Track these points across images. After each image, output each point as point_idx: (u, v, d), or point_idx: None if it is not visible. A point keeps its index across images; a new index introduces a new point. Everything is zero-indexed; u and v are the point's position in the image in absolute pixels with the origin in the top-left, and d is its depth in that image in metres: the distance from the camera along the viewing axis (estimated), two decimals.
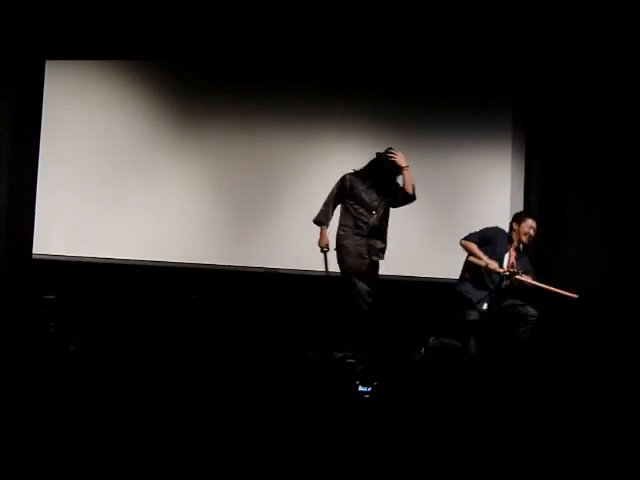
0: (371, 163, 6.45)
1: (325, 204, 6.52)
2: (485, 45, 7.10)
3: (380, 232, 6.54)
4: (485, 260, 6.43)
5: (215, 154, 7.67)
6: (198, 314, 6.69)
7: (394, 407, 3.27)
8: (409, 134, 7.89)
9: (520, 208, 7.48)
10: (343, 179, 6.49)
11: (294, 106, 7.83)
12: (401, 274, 7.74)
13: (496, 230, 6.60)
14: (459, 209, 7.80)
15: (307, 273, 7.43)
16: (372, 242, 6.51)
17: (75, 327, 5.32)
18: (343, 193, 6.49)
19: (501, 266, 6.43)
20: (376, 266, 6.50)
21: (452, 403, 3.28)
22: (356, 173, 6.50)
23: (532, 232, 6.53)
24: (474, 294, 6.44)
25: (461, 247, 6.51)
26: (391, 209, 6.59)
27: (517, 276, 6.37)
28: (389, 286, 6.85)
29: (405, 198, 6.48)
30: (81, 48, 7.13)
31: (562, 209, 7.81)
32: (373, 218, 6.51)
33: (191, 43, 7.14)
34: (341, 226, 6.51)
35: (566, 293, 6.41)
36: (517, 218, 6.57)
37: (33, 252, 7.23)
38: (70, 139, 7.49)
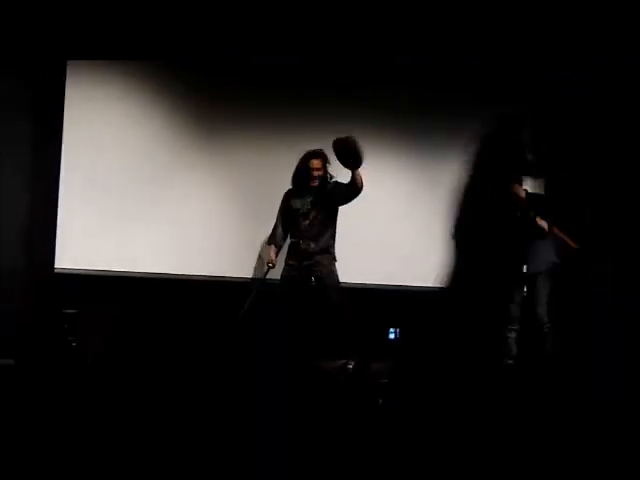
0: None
1: (274, 225, 6.77)
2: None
3: (315, 235, 6.64)
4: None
5: (236, 165, 7.66)
6: (216, 326, 6.70)
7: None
8: (422, 140, 7.88)
9: None
10: (283, 196, 6.74)
11: (320, 115, 7.81)
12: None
13: None
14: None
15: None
16: (305, 246, 6.63)
17: (93, 341, 5.35)
18: (285, 208, 6.72)
19: None
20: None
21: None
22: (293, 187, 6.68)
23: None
24: None
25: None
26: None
27: None
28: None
29: (354, 193, 6.59)
30: (100, 47, 7.16)
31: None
32: (304, 224, 6.64)
33: (214, 46, 7.17)
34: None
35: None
36: None
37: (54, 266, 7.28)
38: (89, 152, 7.51)
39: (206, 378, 3.44)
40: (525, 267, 6.99)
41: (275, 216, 6.92)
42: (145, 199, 7.55)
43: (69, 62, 7.28)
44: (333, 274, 6.71)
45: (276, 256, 6.79)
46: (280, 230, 6.84)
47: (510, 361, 6.83)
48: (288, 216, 6.79)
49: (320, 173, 6.72)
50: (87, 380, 3.30)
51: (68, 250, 7.35)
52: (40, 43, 7.05)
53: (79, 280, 7.33)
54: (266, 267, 6.74)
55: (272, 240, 6.84)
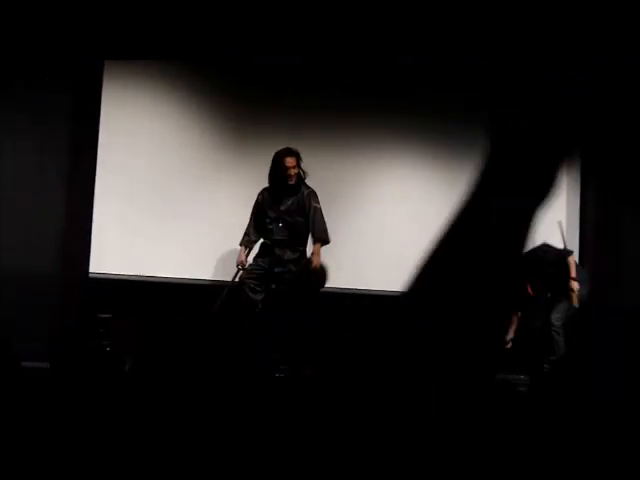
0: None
1: (248, 225, 6.76)
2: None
3: (291, 242, 6.64)
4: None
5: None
6: (255, 333, 6.66)
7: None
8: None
9: (576, 224, 7.43)
10: (257, 196, 6.73)
11: (350, 122, 7.77)
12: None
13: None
14: None
15: (371, 293, 7.39)
16: (280, 252, 6.64)
17: (130, 346, 5.31)
18: (258, 209, 6.73)
19: None
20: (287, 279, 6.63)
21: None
22: (267, 188, 6.72)
23: None
24: None
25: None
26: None
27: None
28: None
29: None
30: (136, 47, 7.16)
31: (620, 225, 7.68)
32: (279, 228, 6.62)
33: (248, 48, 7.16)
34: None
35: None
36: None
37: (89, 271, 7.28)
38: (124, 155, 7.50)
39: (241, 383, 3.37)
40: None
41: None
42: (180, 202, 7.52)
43: (106, 62, 7.27)
44: (306, 276, 6.76)
45: (247, 257, 6.82)
46: (252, 230, 6.85)
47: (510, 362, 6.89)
48: (261, 217, 6.79)
49: (295, 171, 6.74)
50: (121, 385, 3.24)
51: (103, 255, 7.34)
52: (77, 43, 7.05)
53: (114, 285, 7.32)
54: (236, 268, 6.75)
55: (244, 241, 6.84)
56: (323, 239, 6.73)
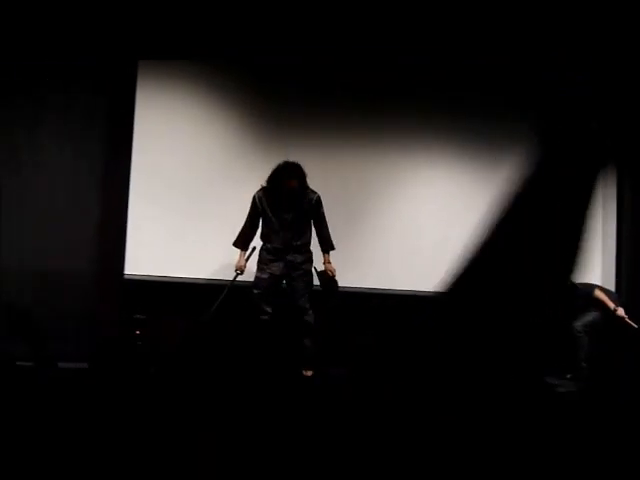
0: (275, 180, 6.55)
1: (241, 228, 6.68)
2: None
3: (299, 246, 6.65)
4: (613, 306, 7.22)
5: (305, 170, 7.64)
6: (287, 334, 6.67)
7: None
8: (500, 149, 7.78)
9: (613, 236, 7.44)
10: (253, 199, 6.62)
11: (382, 122, 7.77)
12: None
13: None
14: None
15: (402, 293, 7.39)
16: (291, 258, 6.63)
17: (164, 347, 5.36)
18: (257, 213, 6.63)
19: None
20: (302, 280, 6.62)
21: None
22: (264, 189, 6.60)
23: None
24: None
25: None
26: None
27: None
28: None
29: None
30: (170, 47, 7.21)
31: None
32: (287, 234, 6.62)
33: (281, 49, 7.19)
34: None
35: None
36: None
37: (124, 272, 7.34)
38: (159, 155, 7.55)
39: (272, 384, 3.40)
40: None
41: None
42: (215, 202, 7.55)
43: (140, 62, 7.33)
44: (309, 281, 6.78)
45: (246, 261, 6.77)
46: (249, 233, 6.78)
47: (536, 365, 6.91)
48: (264, 222, 6.73)
49: (296, 191, 6.67)
50: (157, 386, 3.29)
51: (138, 255, 7.40)
52: (111, 43, 7.11)
53: (149, 286, 7.37)
54: (235, 273, 6.72)
55: (241, 244, 6.78)
56: (332, 247, 6.79)
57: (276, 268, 6.70)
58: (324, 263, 6.78)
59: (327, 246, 6.76)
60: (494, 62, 7.28)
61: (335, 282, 6.75)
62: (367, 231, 7.74)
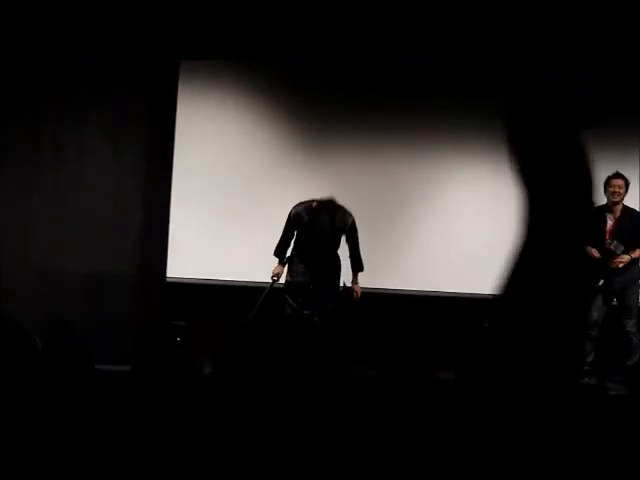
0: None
1: (279, 240, 6.85)
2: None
3: (334, 259, 6.82)
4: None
5: (343, 173, 7.59)
6: (329, 337, 6.64)
7: None
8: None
9: None
10: (289, 214, 6.77)
11: (422, 123, 7.70)
12: None
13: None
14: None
15: (437, 294, 7.33)
16: (320, 268, 6.79)
17: (208, 350, 5.33)
18: (291, 226, 6.80)
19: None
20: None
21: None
22: (302, 204, 6.74)
23: (617, 189, 6.81)
24: None
25: None
26: None
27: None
28: None
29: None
30: (212, 48, 7.22)
31: None
32: (322, 247, 6.76)
33: (321, 50, 7.17)
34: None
35: None
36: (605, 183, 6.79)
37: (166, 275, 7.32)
38: (201, 158, 7.53)
39: (319, 385, 3.34)
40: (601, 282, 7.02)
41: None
42: (256, 204, 7.52)
43: (182, 63, 7.33)
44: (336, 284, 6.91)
45: (283, 268, 6.94)
46: (286, 244, 6.94)
47: (586, 367, 6.84)
48: (298, 231, 6.86)
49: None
50: (198, 393, 3.24)
51: (180, 259, 7.38)
52: (153, 44, 7.12)
53: (190, 289, 7.36)
54: (271, 280, 6.88)
55: (280, 254, 6.94)
56: (362, 268, 6.95)
57: (305, 275, 6.88)
58: (352, 283, 6.98)
59: (357, 267, 6.95)
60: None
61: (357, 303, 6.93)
62: (407, 233, 7.65)
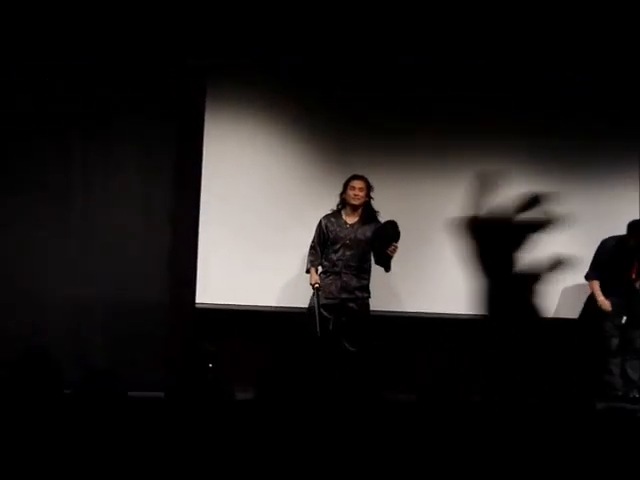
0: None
1: (310, 253, 6.80)
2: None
3: (357, 268, 6.66)
4: (601, 300, 6.90)
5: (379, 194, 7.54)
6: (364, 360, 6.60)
7: None
8: (562, 163, 7.63)
9: None
10: (319, 223, 6.78)
11: (449, 147, 7.65)
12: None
13: (606, 246, 6.95)
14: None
15: (460, 317, 7.28)
16: (347, 279, 6.66)
17: (240, 375, 5.30)
18: (322, 236, 6.76)
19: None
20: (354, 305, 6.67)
21: None
22: (331, 214, 6.78)
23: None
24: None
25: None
26: None
27: None
28: None
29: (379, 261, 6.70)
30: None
31: None
32: (346, 255, 6.65)
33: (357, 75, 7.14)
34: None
35: None
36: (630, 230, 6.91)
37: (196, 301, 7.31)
38: (228, 186, 7.51)
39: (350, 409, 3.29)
40: (624, 318, 7.13)
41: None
42: (288, 228, 7.46)
43: (209, 85, 7.35)
44: (367, 310, 6.80)
45: (319, 276, 6.82)
46: (319, 253, 6.84)
47: (618, 392, 6.92)
48: (325, 242, 6.82)
49: (362, 194, 6.80)
50: (230, 420, 3.22)
51: (209, 284, 7.35)
52: (180, 67, 7.17)
53: (220, 314, 7.32)
54: (314, 290, 6.75)
55: (313, 264, 6.85)
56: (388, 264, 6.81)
57: (332, 287, 6.78)
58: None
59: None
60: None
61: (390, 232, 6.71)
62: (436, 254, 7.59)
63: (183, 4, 7.11)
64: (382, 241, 6.70)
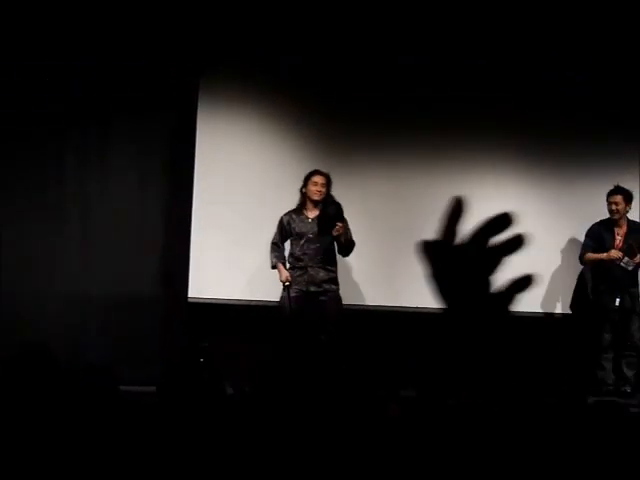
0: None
1: (272, 249, 6.82)
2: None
3: (322, 261, 6.66)
4: (604, 254, 6.84)
5: (362, 195, 7.53)
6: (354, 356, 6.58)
7: None
8: (564, 167, 7.62)
9: None
10: (280, 221, 6.81)
11: (443, 143, 7.63)
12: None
13: (595, 225, 6.99)
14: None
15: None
16: (313, 272, 6.64)
17: (232, 370, 5.30)
18: (283, 232, 6.80)
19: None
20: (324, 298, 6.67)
21: None
22: (292, 210, 6.81)
23: (614, 207, 6.89)
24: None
25: (585, 263, 7.01)
26: None
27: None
28: None
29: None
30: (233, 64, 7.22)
31: None
32: (310, 248, 6.66)
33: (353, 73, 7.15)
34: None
35: None
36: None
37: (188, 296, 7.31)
38: (221, 182, 7.51)
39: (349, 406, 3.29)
40: (617, 301, 7.03)
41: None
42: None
43: (201, 91, 7.34)
44: (338, 302, 6.81)
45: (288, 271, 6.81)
46: (282, 249, 6.89)
47: (610, 387, 6.91)
48: (287, 238, 6.86)
49: (324, 190, 6.82)
50: (223, 415, 3.21)
51: (201, 279, 7.36)
52: (173, 61, 7.16)
53: (212, 309, 7.32)
54: (284, 286, 6.76)
55: (279, 259, 6.85)
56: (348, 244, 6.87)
57: (301, 283, 6.78)
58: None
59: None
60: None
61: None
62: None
63: (178, 2, 7.10)
64: (326, 223, 6.70)
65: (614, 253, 6.85)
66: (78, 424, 3.13)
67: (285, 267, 6.85)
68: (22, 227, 7.11)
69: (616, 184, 7.07)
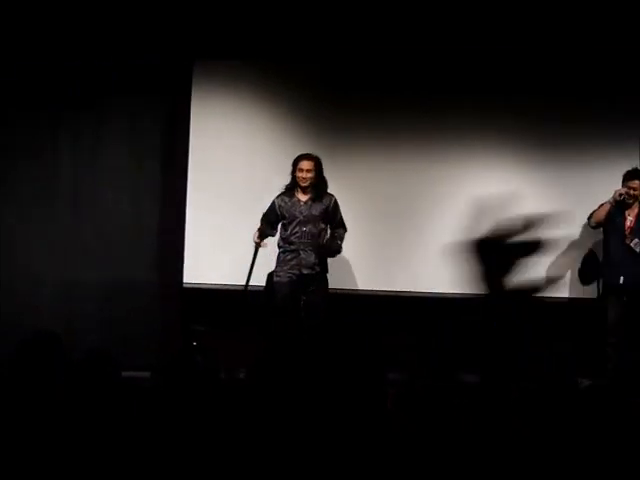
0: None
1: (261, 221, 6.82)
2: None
3: (313, 245, 6.71)
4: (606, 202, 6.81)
5: (358, 179, 7.55)
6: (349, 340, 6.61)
7: None
8: (564, 159, 7.62)
9: None
10: (272, 203, 6.80)
11: (442, 126, 7.63)
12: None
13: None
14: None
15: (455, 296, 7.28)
16: (305, 255, 6.68)
17: (227, 355, 5.33)
18: (272, 214, 6.80)
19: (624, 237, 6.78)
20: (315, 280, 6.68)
21: None
22: (284, 193, 6.78)
23: (632, 191, 6.79)
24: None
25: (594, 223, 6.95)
26: None
27: None
28: None
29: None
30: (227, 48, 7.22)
31: None
32: (302, 230, 6.68)
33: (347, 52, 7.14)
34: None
35: None
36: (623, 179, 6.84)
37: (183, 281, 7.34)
38: (216, 167, 7.52)
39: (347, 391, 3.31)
40: (622, 279, 6.91)
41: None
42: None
43: (195, 71, 7.34)
44: (325, 285, 6.83)
45: (261, 240, 6.84)
46: (269, 226, 6.89)
47: (613, 370, 6.80)
48: (278, 221, 6.85)
49: (310, 175, 6.79)
50: (216, 400, 3.24)
51: (196, 264, 7.38)
52: (167, 45, 7.16)
53: (208, 294, 7.35)
54: (256, 246, 6.83)
55: (262, 223, 6.89)
56: (340, 236, 6.93)
57: (289, 266, 6.81)
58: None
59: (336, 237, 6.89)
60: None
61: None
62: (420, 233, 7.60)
63: None
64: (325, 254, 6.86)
65: (619, 191, 6.86)
66: (81, 409, 3.15)
67: (264, 236, 6.88)
68: (17, 212, 7.14)
69: (634, 167, 7.01)
